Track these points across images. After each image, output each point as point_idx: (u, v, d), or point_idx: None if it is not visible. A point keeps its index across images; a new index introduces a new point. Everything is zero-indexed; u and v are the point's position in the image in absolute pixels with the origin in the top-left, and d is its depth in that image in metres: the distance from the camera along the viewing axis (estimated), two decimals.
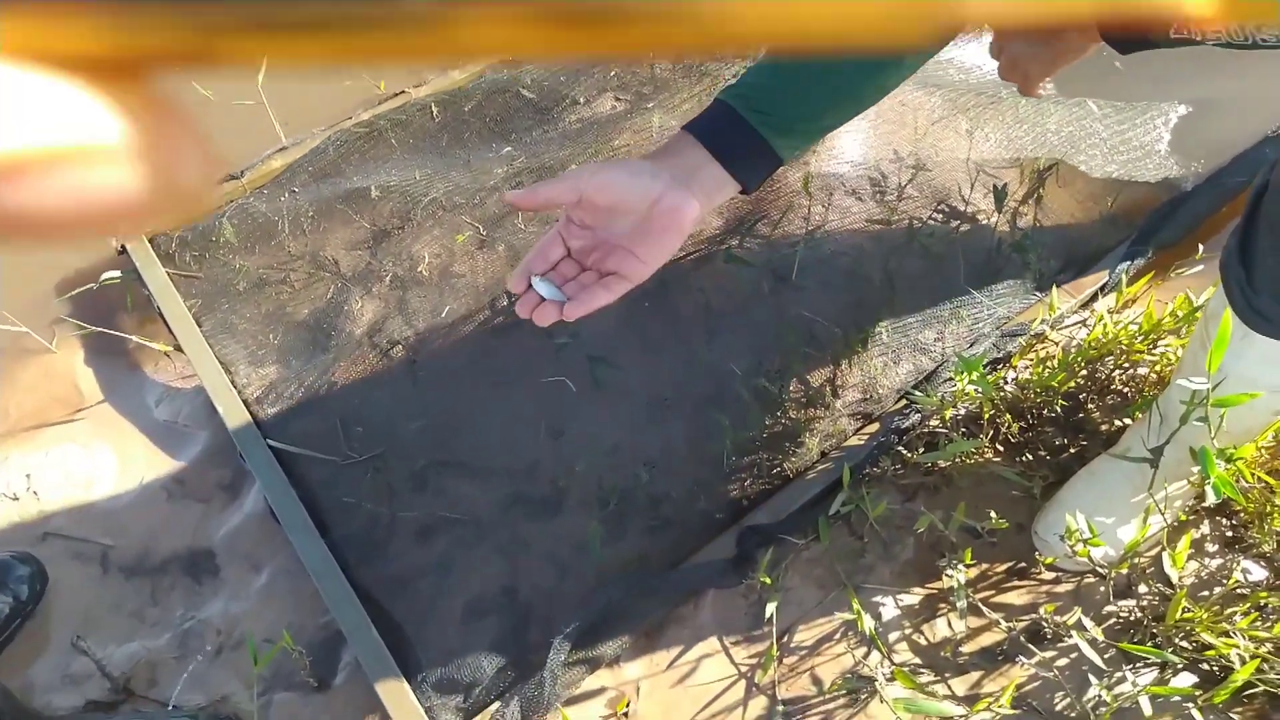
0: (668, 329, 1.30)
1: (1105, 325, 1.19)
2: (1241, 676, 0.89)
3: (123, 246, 1.49)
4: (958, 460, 1.20)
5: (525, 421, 1.24)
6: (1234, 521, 1.13)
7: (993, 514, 1.09)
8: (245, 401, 1.30)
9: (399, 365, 1.31)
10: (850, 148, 1.45)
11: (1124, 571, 1.09)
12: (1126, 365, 1.24)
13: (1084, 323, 1.32)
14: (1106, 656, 1.02)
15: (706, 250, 1.37)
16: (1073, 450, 1.21)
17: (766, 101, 0.75)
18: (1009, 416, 1.21)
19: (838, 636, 1.09)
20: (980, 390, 1.12)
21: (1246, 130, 1.48)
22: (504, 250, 1.41)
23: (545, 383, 1.26)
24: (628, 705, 1.06)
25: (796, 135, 0.77)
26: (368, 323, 1.37)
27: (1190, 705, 0.94)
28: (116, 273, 1.48)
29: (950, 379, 1.20)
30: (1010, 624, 1.08)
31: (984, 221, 1.40)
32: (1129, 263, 1.32)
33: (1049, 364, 1.22)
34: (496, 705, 1.04)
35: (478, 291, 1.37)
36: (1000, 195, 1.37)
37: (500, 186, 1.48)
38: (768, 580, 1.08)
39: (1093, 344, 1.20)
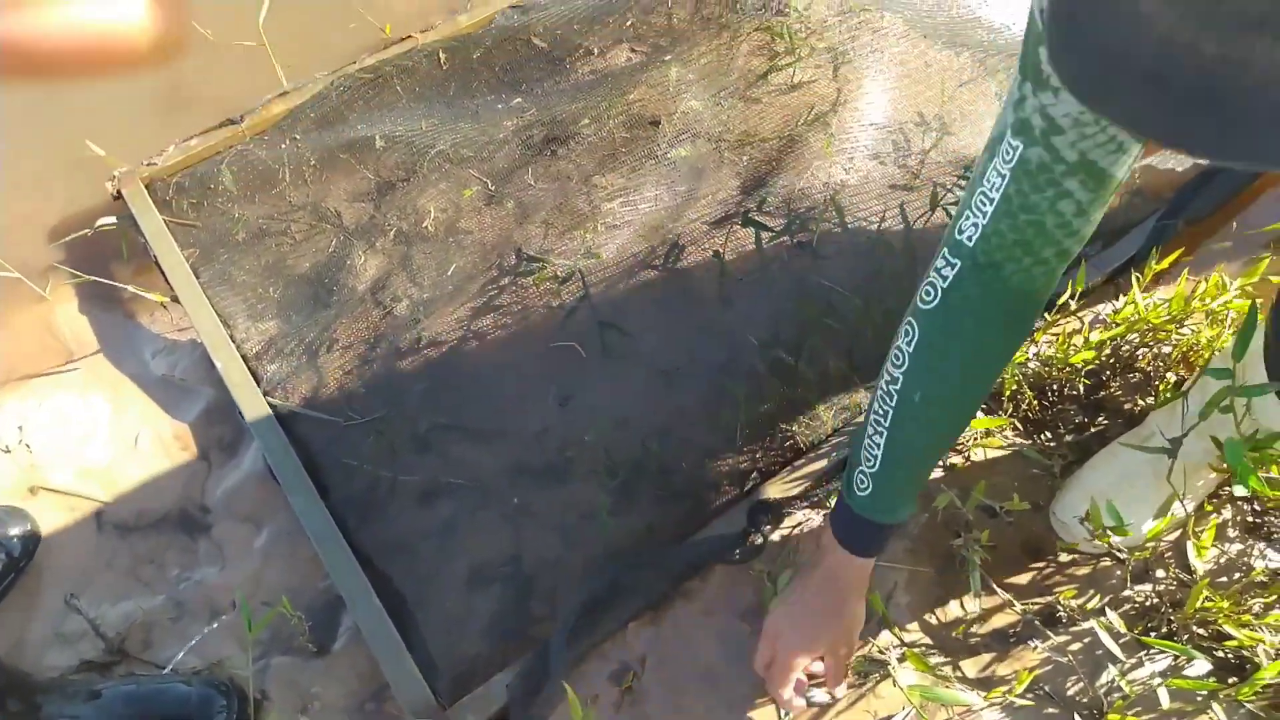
0: (682, 295, 1.26)
1: (1135, 305, 1.16)
2: (1269, 674, 0.87)
3: (118, 191, 1.44)
4: (976, 437, 1.17)
5: (533, 386, 1.21)
6: (1257, 506, 1.11)
7: (1015, 495, 1.06)
8: (244, 357, 1.26)
9: (402, 324, 1.27)
10: (873, 110, 1.40)
11: (1144, 558, 1.06)
12: (1152, 344, 1.21)
13: (1111, 298, 1.28)
14: (1122, 642, 1.00)
15: (724, 212, 1.32)
16: (1093, 429, 1.18)
17: (888, 507, 0.90)
18: (1030, 393, 1.18)
19: None
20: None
21: None
22: (512, 206, 1.36)
23: (554, 347, 1.22)
24: (633, 679, 1.04)
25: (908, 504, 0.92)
26: (370, 279, 1.33)
27: (1212, 700, 0.92)
28: (112, 219, 1.43)
29: None
30: (1024, 606, 1.05)
31: None
32: (1159, 237, 1.28)
33: (1073, 341, 1.18)
34: (498, 675, 1.02)
35: (485, 249, 1.33)
36: None
37: (510, 139, 1.43)
38: (776, 565, 1.05)
39: (1120, 322, 1.16)
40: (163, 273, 1.36)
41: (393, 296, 1.30)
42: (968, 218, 0.76)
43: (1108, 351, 1.20)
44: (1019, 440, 1.17)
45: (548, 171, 1.39)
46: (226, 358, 1.26)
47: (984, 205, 0.74)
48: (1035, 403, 1.18)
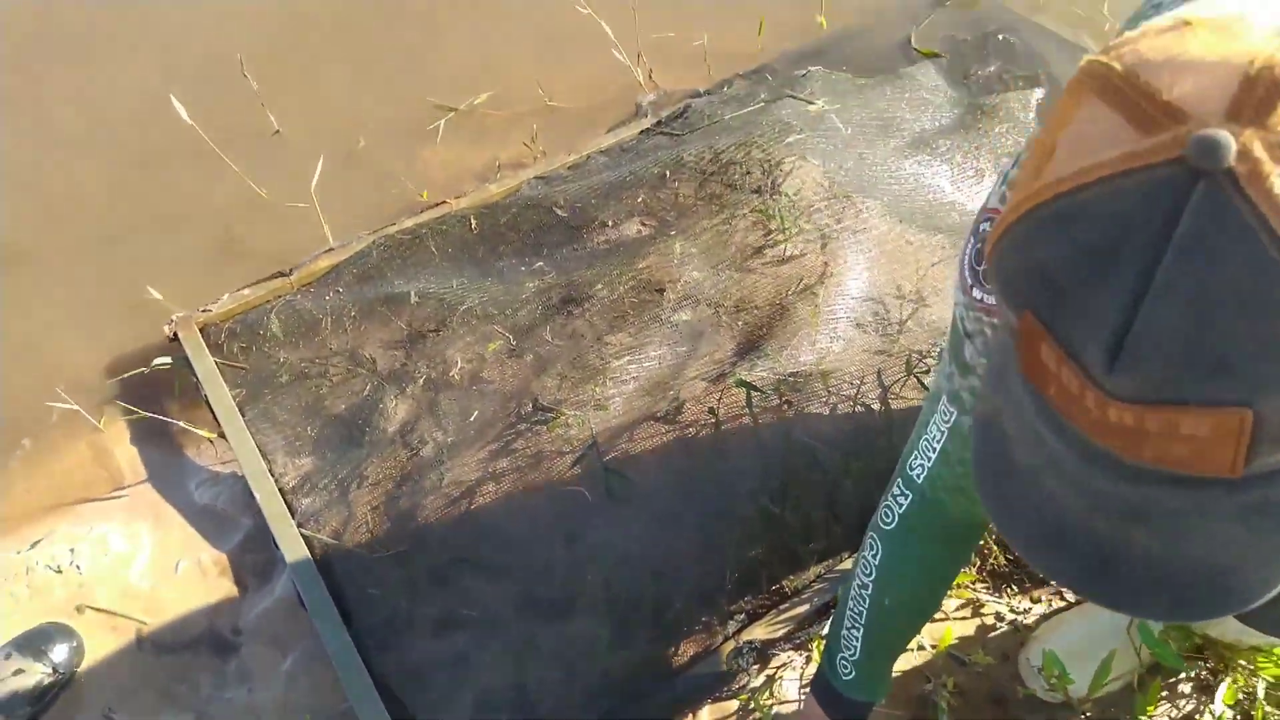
0: (680, 445, 1.40)
1: None
2: None
3: (175, 334, 1.60)
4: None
5: (542, 526, 1.33)
6: (1211, 666, 1.20)
7: (980, 650, 1.16)
8: (281, 490, 1.39)
9: (427, 464, 1.40)
10: (856, 284, 1.57)
11: (1089, 712, 1.16)
12: None
13: None
14: None
15: (720, 371, 1.47)
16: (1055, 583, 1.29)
17: (871, 689, 1.02)
18: (996, 549, 1.29)
19: None
20: None
21: None
22: (531, 360, 1.51)
23: (563, 490, 1.35)
24: None
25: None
26: (400, 421, 1.47)
27: None
28: (167, 359, 1.59)
29: None
30: None
31: None
32: None
33: None
34: None
35: (505, 398, 1.47)
36: None
37: (531, 299, 1.60)
38: (761, 703, 1.15)
39: None
40: (211, 410, 1.50)
41: (420, 439, 1.44)
42: (916, 458, 0.90)
43: None
44: (985, 595, 1.28)
45: (564, 329, 1.55)
46: (265, 491, 1.38)
47: (929, 451, 0.87)
48: (1001, 558, 1.30)
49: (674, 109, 2.01)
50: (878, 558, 0.96)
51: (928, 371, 1.46)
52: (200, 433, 1.50)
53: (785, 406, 1.42)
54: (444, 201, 1.83)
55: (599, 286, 1.59)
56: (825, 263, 1.61)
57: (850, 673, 1.00)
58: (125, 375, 1.61)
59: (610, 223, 1.70)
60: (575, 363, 1.50)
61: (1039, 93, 1.94)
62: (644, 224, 1.69)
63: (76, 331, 1.71)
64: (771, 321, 1.54)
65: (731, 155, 1.77)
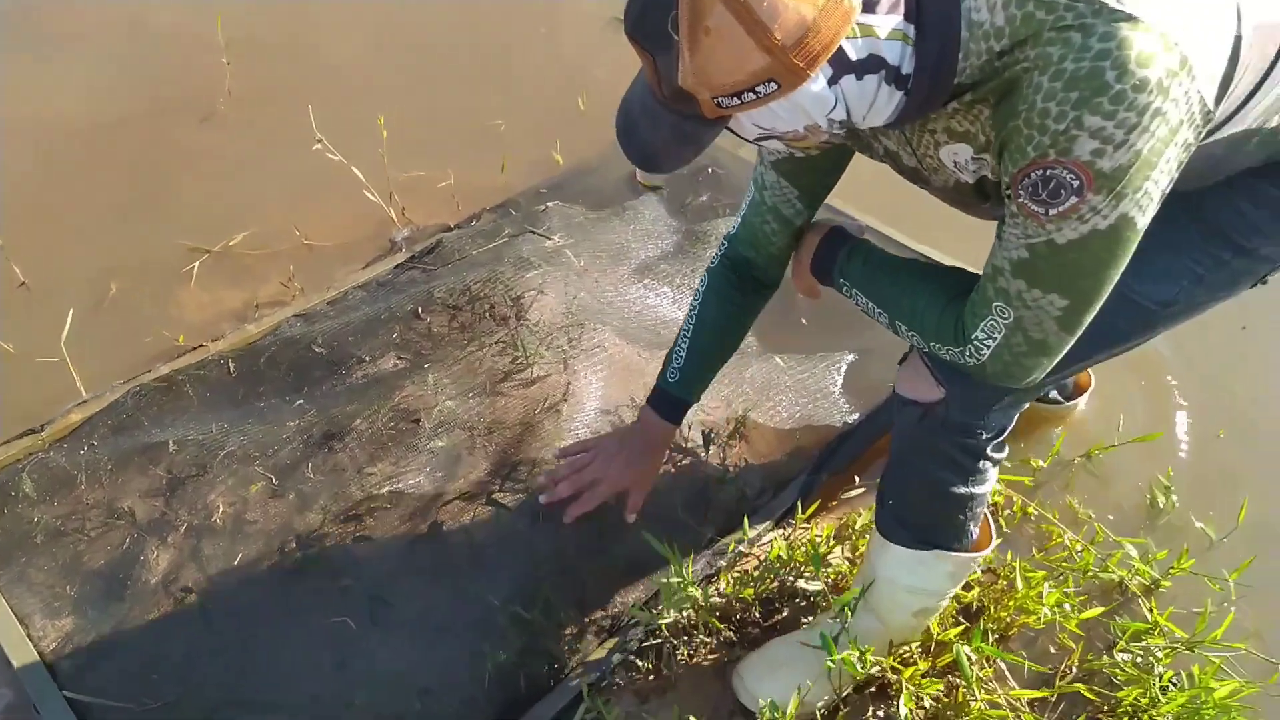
0: (439, 564, 1.53)
1: (778, 545, 1.54)
2: None
3: None
4: (679, 664, 1.47)
5: (311, 658, 1.41)
6: (890, 708, 1.45)
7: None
8: (41, 654, 1.40)
9: (193, 611, 1.46)
10: (594, 399, 1.78)
11: None
12: (808, 575, 1.58)
13: (782, 538, 1.66)
14: None
15: (475, 490, 1.63)
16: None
17: (700, 387, 1.50)
18: (717, 623, 1.51)
19: None
20: (691, 603, 1.42)
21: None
22: (294, 498, 1.61)
23: (330, 621, 1.45)
24: None
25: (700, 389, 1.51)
26: (163, 571, 1.51)
27: None
28: None
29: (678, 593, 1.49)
30: None
31: (700, 458, 1.74)
32: (808, 490, 1.70)
33: (745, 578, 1.54)
34: None
35: (269, 537, 1.56)
36: (708, 439, 1.73)
37: (292, 437, 1.69)
38: None
39: (775, 561, 1.54)
40: None
41: (183, 586, 1.49)
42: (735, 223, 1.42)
43: (775, 584, 1.56)
44: (710, 667, 1.49)
45: (325, 464, 1.66)
46: (23, 656, 1.39)
47: (739, 212, 1.40)
48: (725, 631, 1.51)
49: (426, 244, 2.18)
50: (704, 286, 1.44)
51: (660, 475, 1.68)
52: None
53: (537, 518, 1.59)
54: (201, 345, 1.90)
55: (358, 420, 1.71)
56: (568, 382, 1.81)
57: (675, 376, 1.46)
58: None
59: (368, 358, 1.83)
60: (338, 496, 1.61)
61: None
62: (400, 358, 1.84)
63: None
64: (521, 440, 1.72)
65: (479, 290, 1.96)
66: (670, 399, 1.49)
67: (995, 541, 1.34)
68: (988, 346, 1.04)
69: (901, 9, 0.89)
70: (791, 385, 1.90)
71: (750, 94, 0.87)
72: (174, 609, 1.46)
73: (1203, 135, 0.92)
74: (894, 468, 1.31)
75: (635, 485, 1.55)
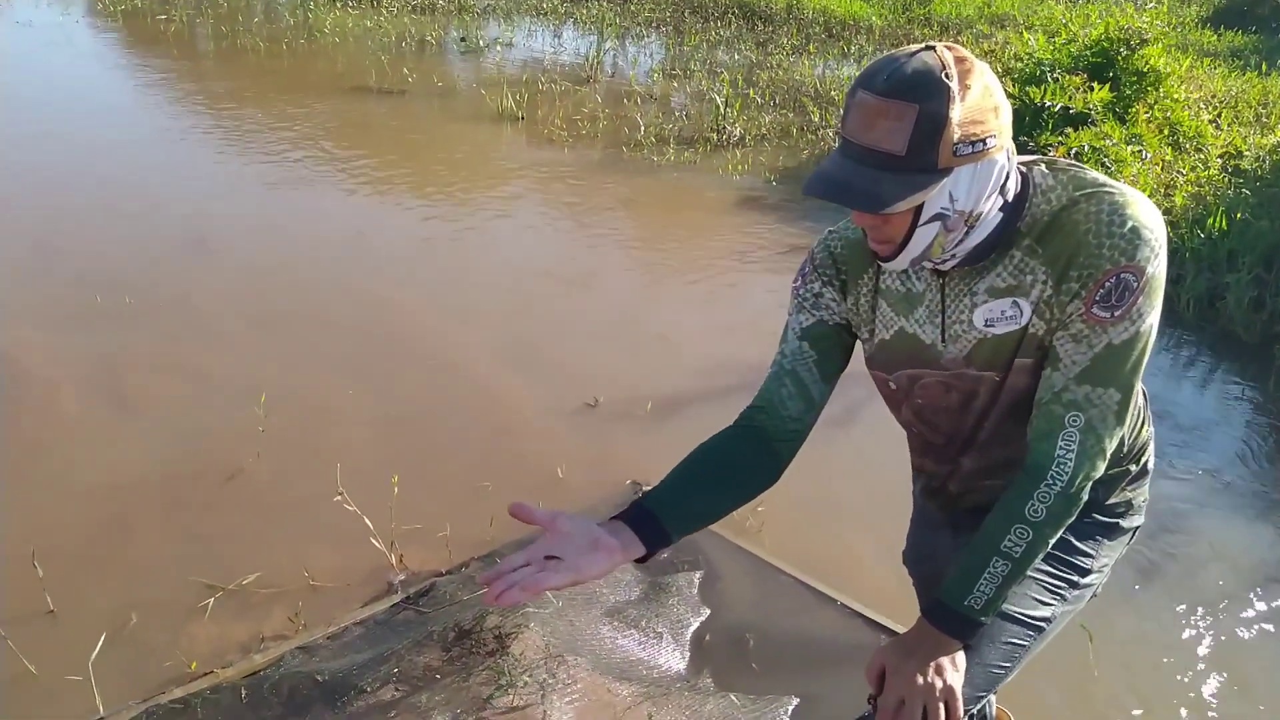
0: None
1: None
2: None
3: None
4: None
5: None
6: None
7: None
8: None
9: None
10: None
11: None
12: None
13: None
14: None
15: None
16: None
17: (674, 512, 1.24)
18: None
19: None
20: None
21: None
22: None
23: None
24: None
25: (685, 528, 1.26)
26: None
27: None
28: None
29: None
30: None
31: None
32: None
33: None
34: None
35: None
36: None
37: None
38: None
39: None
40: None
41: None
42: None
43: None
44: None
45: None
46: None
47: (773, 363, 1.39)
48: None
49: (420, 586, 2.46)
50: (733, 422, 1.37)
51: None
52: None
53: None
54: (211, 671, 2.09)
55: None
56: (545, 711, 2.02)
57: (653, 492, 1.25)
58: None
59: (368, 689, 2.04)
60: None
61: (698, 574, 2.60)
62: (398, 689, 2.04)
63: None
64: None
65: (469, 626, 2.22)
66: (642, 510, 1.23)
67: None
68: (1070, 460, 1.17)
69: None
70: None
71: (981, 144, 1.09)
72: None
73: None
74: None
75: (565, 566, 1.14)
